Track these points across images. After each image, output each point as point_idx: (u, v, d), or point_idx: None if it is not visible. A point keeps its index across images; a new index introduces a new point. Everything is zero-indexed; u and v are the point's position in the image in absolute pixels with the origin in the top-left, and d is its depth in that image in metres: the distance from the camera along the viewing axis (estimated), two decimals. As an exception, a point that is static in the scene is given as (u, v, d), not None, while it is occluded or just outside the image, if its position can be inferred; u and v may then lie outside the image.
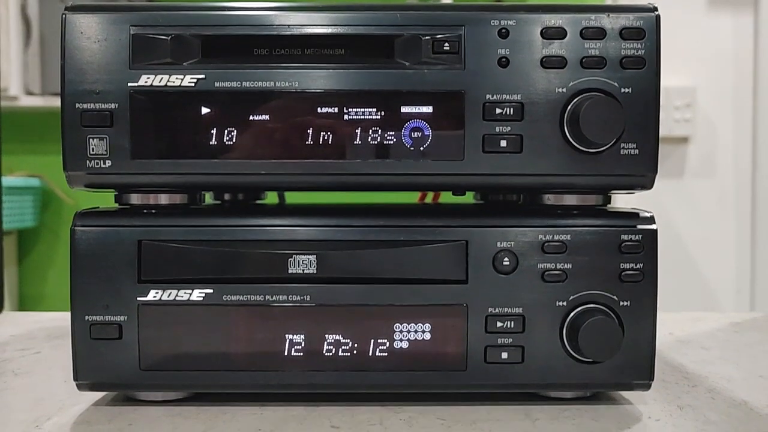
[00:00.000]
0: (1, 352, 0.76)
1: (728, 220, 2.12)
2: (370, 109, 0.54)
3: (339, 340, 0.55)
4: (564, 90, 0.53)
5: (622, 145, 0.54)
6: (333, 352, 0.55)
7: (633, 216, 0.56)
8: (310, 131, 0.54)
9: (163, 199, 0.57)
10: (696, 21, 2.10)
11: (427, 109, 0.54)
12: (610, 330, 0.53)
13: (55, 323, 0.93)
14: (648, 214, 0.56)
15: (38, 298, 2.37)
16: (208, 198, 0.79)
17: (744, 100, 2.11)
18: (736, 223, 2.12)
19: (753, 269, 2.11)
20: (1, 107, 1.14)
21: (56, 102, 2.04)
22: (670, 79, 2.06)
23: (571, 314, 0.54)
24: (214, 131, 0.54)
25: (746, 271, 2.12)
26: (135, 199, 0.57)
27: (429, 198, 0.87)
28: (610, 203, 0.59)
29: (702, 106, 2.10)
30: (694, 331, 0.88)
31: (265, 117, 0.54)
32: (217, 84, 0.53)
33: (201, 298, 0.54)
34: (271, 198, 0.86)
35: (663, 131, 2.04)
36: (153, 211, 0.57)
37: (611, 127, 0.52)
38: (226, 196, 0.78)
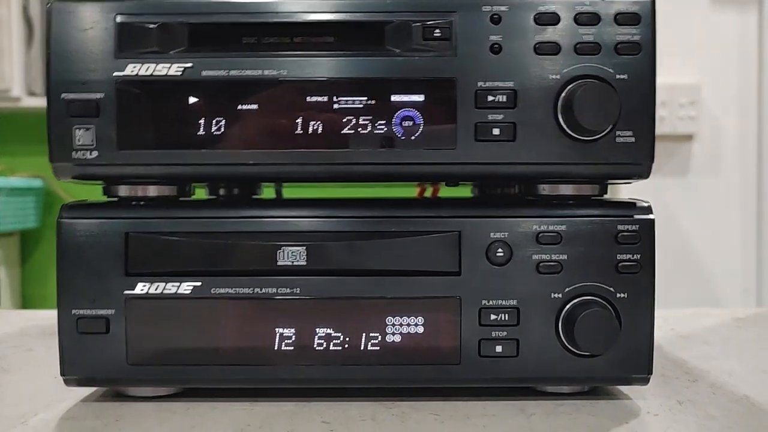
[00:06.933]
0: (-7, 349, 0.76)
1: (734, 218, 2.10)
2: (360, 98, 0.52)
3: (330, 333, 0.54)
4: (558, 77, 0.52)
5: (618, 132, 0.52)
6: (324, 346, 0.54)
7: (630, 206, 0.55)
8: (299, 120, 0.53)
9: (152, 191, 0.56)
10: (700, 18, 2.08)
11: (418, 97, 0.52)
12: (607, 322, 0.52)
13: (49, 321, 0.92)
14: (645, 204, 0.55)
15: (41, 299, 2.37)
16: (203, 194, 0.78)
17: (749, 97, 2.09)
18: (741, 222, 2.10)
19: (759, 267, 2.09)
20: None
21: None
22: (674, 76, 2.04)
23: (567, 306, 0.53)
24: (201, 121, 0.53)
25: (752, 269, 2.10)
26: (123, 191, 0.56)
27: (428, 193, 0.86)
28: (606, 193, 0.57)
29: (707, 104, 2.09)
30: (697, 327, 0.87)
31: (254, 106, 0.53)
32: (204, 73, 0.52)
33: (189, 291, 0.53)
34: (267, 193, 0.85)
35: (667, 129, 2.04)
36: (141, 203, 0.56)
37: (606, 114, 0.51)
38: (221, 192, 0.77)
